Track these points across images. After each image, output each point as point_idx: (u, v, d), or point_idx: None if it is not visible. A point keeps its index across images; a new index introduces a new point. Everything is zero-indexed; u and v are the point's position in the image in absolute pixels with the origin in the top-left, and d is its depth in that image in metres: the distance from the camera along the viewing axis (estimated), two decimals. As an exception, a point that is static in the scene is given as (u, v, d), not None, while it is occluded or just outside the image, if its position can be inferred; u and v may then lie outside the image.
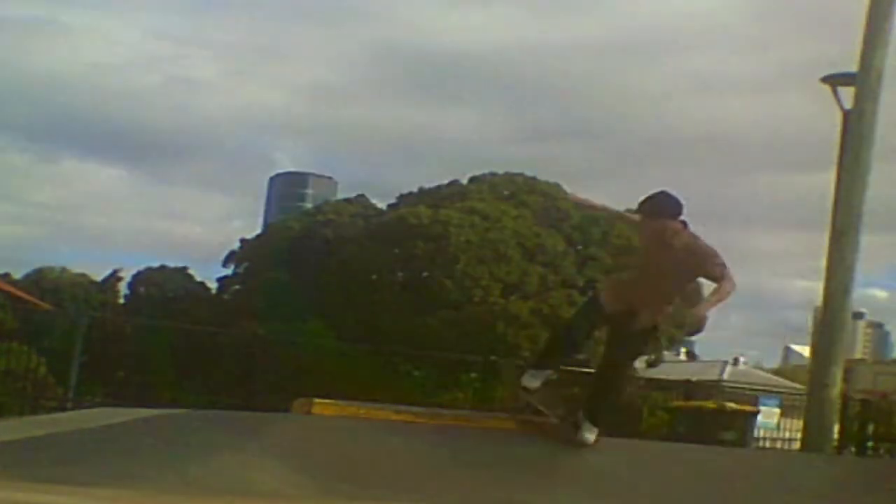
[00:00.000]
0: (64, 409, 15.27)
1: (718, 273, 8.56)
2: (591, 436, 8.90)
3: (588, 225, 42.20)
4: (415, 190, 46.37)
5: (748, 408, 19.54)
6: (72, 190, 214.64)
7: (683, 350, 58.60)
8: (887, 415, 22.33)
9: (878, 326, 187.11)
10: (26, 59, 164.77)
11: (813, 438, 13.32)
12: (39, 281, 56.11)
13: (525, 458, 8.86)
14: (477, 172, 46.63)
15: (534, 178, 45.66)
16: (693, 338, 52.00)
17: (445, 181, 46.66)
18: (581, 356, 9.85)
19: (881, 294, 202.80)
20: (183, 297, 48.40)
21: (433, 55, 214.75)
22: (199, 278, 52.76)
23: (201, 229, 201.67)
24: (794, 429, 20.25)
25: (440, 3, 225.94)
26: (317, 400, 9.35)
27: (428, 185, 46.88)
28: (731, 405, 18.79)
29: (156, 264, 54.60)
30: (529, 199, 43.29)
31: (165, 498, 6.74)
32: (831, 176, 14.22)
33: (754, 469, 10.22)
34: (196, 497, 6.82)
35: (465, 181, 46.01)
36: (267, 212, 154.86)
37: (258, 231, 57.97)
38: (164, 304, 45.85)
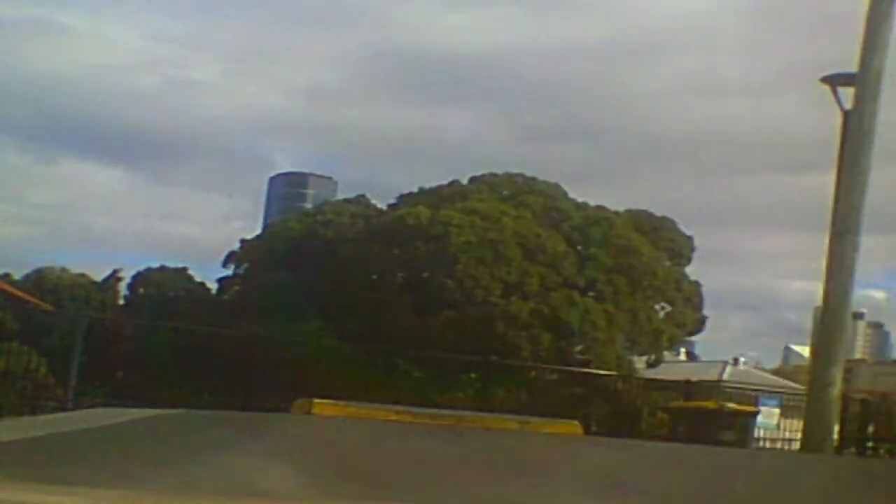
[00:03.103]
0: (64, 410, 15.28)
1: None
2: None
3: (588, 225, 42.19)
4: (415, 190, 46.35)
5: (748, 408, 19.54)
6: (71, 191, 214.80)
7: (683, 350, 58.63)
8: (887, 415, 22.34)
9: (877, 327, 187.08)
10: (26, 61, 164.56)
11: (813, 438, 13.32)
12: (39, 281, 56.03)
13: (526, 457, 8.86)
14: (477, 173, 46.64)
15: (534, 179, 45.61)
16: (693, 337, 52.11)
17: (446, 181, 46.63)
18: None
19: (879, 295, 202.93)
20: (183, 298, 48.29)
21: (430, 56, 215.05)
22: (199, 279, 52.71)
23: (200, 230, 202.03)
24: (794, 429, 20.24)
25: (436, 4, 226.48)
26: (317, 400, 9.36)
27: (428, 185, 46.86)
28: (731, 405, 18.79)
29: (155, 265, 54.55)
30: (529, 199, 43.22)
31: (166, 497, 6.74)
32: (830, 177, 14.23)
33: (754, 469, 10.23)
34: (196, 497, 6.82)
35: (465, 181, 45.97)
36: (267, 212, 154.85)
37: (258, 231, 57.89)
38: (164, 305, 45.74)
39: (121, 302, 52.51)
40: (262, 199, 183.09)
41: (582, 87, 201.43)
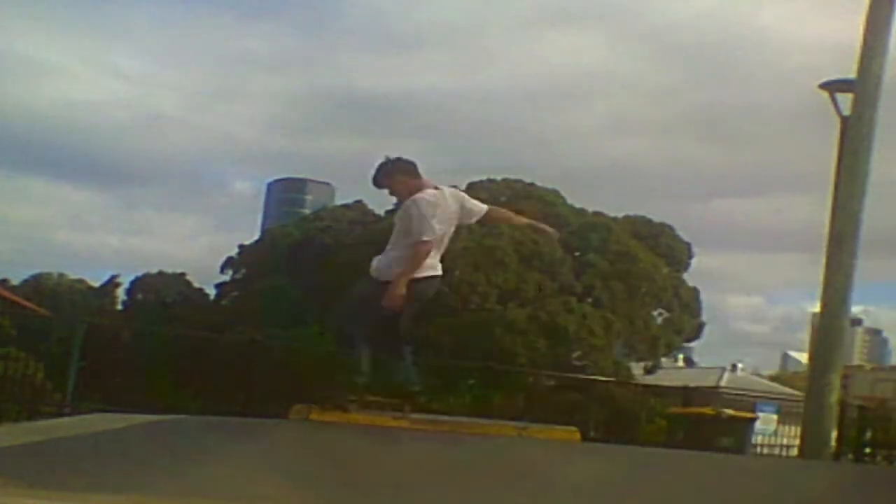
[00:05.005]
0: (61, 415, 15.25)
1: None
2: None
3: (586, 231, 42.21)
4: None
5: (746, 414, 19.53)
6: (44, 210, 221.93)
7: (681, 356, 58.62)
8: (885, 421, 22.36)
9: (875, 333, 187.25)
10: (4, 94, 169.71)
11: (811, 445, 13.33)
12: (37, 287, 56.08)
13: (524, 464, 8.85)
14: (475, 179, 46.69)
15: (532, 184, 45.66)
16: (691, 344, 52.09)
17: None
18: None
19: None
20: (181, 303, 48.33)
21: (371, 96, 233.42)
22: (197, 284, 52.73)
23: (170, 246, 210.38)
24: (792, 435, 20.25)
25: (375, 50, 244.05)
26: (315, 406, 9.35)
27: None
28: (729, 412, 18.77)
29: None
30: (527, 204, 43.27)
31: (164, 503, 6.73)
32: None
33: (752, 476, 10.22)
34: (194, 502, 6.81)
35: (462, 187, 45.99)
36: (265, 217, 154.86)
37: (256, 237, 57.87)
38: (162, 310, 45.78)
39: (119, 308, 52.54)
40: (261, 204, 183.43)
41: (508, 127, 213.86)
